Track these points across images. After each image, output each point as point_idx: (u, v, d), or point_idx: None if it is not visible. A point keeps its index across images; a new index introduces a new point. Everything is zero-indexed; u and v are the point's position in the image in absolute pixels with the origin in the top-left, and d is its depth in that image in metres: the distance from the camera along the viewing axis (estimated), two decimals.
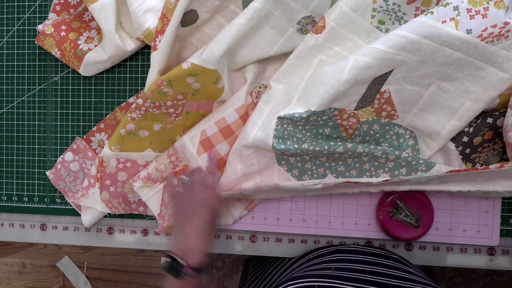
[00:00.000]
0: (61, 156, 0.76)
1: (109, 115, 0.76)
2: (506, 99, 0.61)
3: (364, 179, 0.66)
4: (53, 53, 0.74)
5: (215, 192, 0.58)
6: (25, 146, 0.79)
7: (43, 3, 0.77)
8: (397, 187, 0.67)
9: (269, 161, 0.68)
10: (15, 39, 0.78)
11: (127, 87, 0.76)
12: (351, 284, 0.49)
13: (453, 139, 0.64)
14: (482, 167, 0.60)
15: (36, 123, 0.78)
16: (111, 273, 1.60)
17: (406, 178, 0.63)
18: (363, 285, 0.49)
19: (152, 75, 0.63)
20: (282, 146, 0.64)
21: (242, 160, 0.67)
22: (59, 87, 0.78)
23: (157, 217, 0.72)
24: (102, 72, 0.76)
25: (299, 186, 0.65)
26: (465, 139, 0.64)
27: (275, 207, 0.73)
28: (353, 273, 0.53)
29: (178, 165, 0.71)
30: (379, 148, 0.65)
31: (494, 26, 0.55)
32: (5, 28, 0.78)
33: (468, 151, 0.65)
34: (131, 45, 0.71)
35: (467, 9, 0.56)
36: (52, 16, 0.76)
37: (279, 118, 0.63)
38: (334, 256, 0.62)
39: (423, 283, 0.51)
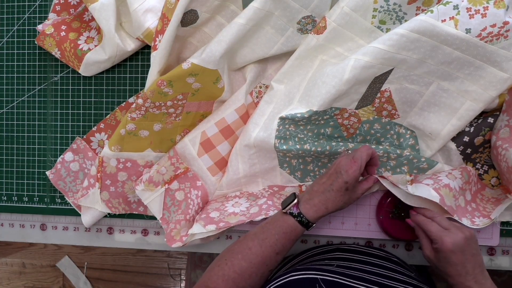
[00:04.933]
0: (61, 156, 0.76)
1: (109, 115, 0.76)
2: (505, 99, 0.61)
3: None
4: (53, 53, 0.74)
5: (356, 166, 0.55)
6: (25, 146, 0.79)
7: (43, 3, 0.77)
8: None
9: (271, 162, 0.68)
10: (15, 39, 0.78)
11: (127, 87, 0.76)
12: (353, 281, 0.49)
13: (454, 139, 0.65)
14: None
15: (36, 123, 0.78)
16: (111, 273, 1.60)
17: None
18: (364, 284, 0.49)
19: (152, 75, 0.63)
20: (284, 147, 0.64)
21: (243, 160, 0.67)
22: (59, 87, 0.78)
23: (160, 221, 0.72)
24: (102, 72, 0.76)
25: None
26: (466, 138, 0.64)
27: None
28: (355, 272, 0.52)
29: (179, 167, 0.71)
30: (380, 147, 0.65)
31: (494, 25, 0.55)
32: (5, 28, 0.78)
33: (469, 151, 0.65)
34: (131, 45, 0.71)
35: (466, 8, 0.56)
36: (52, 16, 0.76)
37: (281, 118, 0.63)
38: (335, 254, 0.62)
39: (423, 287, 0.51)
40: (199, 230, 0.65)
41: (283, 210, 0.58)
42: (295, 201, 0.58)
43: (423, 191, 0.58)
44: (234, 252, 0.57)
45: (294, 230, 0.57)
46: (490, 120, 0.63)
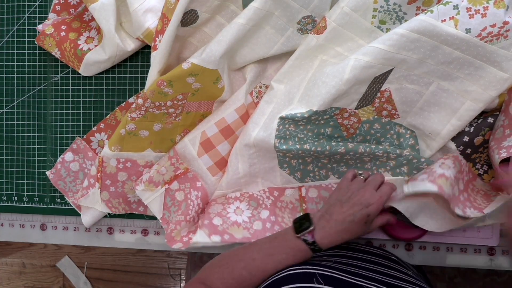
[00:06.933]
0: (61, 156, 0.76)
1: (109, 115, 0.76)
2: (505, 99, 0.61)
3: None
4: (53, 53, 0.74)
5: (382, 201, 0.55)
6: (25, 146, 0.79)
7: (43, 3, 0.77)
8: None
9: (271, 162, 0.68)
10: (15, 39, 0.78)
11: (127, 87, 0.76)
12: (351, 277, 0.49)
13: (453, 139, 0.64)
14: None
15: (36, 123, 0.78)
16: (111, 273, 1.60)
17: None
18: (362, 280, 0.49)
19: (152, 75, 0.63)
20: (284, 147, 0.64)
21: (243, 160, 0.67)
22: (59, 87, 0.78)
23: (160, 221, 0.72)
24: (102, 72, 0.76)
25: None
26: (466, 138, 0.64)
27: None
28: (353, 268, 0.53)
29: (179, 168, 0.71)
30: (380, 147, 0.65)
31: (494, 25, 0.55)
32: (5, 28, 0.78)
33: (469, 151, 0.65)
34: (131, 45, 0.71)
35: (466, 8, 0.56)
36: (52, 16, 0.76)
37: (281, 118, 0.63)
38: (334, 252, 0.62)
39: (420, 286, 0.52)
40: (203, 239, 0.66)
41: (297, 234, 0.56)
42: (311, 228, 0.56)
43: (419, 186, 0.58)
44: (236, 259, 0.57)
45: (304, 255, 0.56)
46: (490, 120, 0.63)
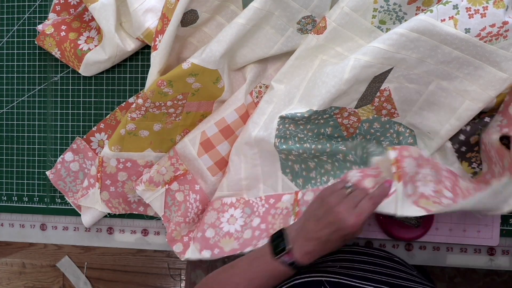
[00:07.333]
0: (61, 156, 0.76)
1: (109, 115, 0.76)
2: (503, 99, 0.61)
3: None
4: (53, 53, 0.74)
5: (360, 221, 0.49)
6: (25, 146, 0.79)
7: (43, 3, 0.77)
8: None
9: (273, 165, 0.67)
10: (15, 39, 0.78)
11: (127, 87, 0.76)
12: (358, 281, 0.49)
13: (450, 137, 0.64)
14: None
15: (36, 123, 0.79)
16: (111, 273, 1.60)
17: None
18: (369, 283, 0.49)
19: (152, 75, 0.64)
20: (284, 146, 0.64)
21: (245, 160, 0.67)
22: (59, 87, 0.78)
23: (162, 219, 0.72)
24: (102, 72, 0.76)
25: None
26: (462, 137, 0.64)
27: None
28: (359, 272, 0.53)
29: (179, 168, 0.71)
30: (380, 147, 0.65)
31: (493, 25, 0.55)
32: (5, 28, 0.78)
33: (464, 149, 0.65)
34: (131, 45, 0.71)
35: (466, 8, 0.56)
36: (52, 16, 0.76)
37: (281, 117, 0.63)
38: (337, 256, 0.62)
39: (426, 285, 0.52)
40: (194, 255, 0.68)
41: (275, 257, 0.53)
42: (287, 248, 0.52)
43: (408, 210, 0.54)
44: (221, 284, 0.55)
45: (285, 274, 0.53)
46: (487, 119, 0.63)
